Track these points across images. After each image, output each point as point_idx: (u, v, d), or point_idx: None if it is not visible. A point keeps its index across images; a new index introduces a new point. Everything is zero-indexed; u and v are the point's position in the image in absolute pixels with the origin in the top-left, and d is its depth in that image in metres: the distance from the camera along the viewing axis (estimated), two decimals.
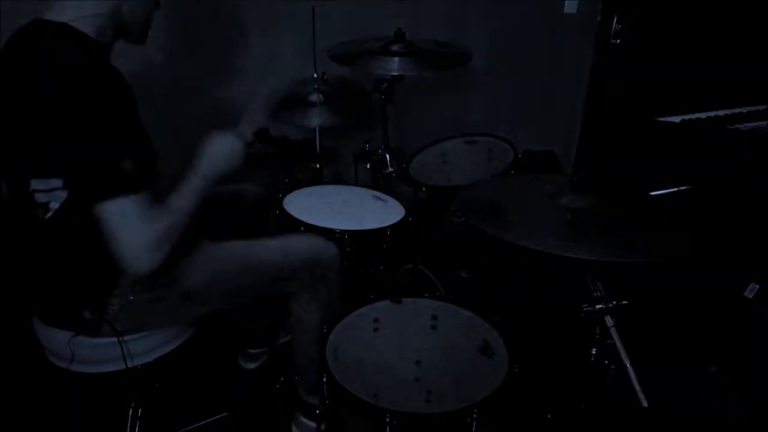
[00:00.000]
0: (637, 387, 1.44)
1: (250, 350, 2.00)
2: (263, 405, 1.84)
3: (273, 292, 1.49)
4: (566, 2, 2.76)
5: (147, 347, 1.37)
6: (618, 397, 1.56)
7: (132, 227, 1.12)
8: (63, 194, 1.16)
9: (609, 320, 1.42)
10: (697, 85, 2.45)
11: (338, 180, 2.40)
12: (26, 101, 1.12)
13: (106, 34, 1.20)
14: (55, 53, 1.11)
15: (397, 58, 1.96)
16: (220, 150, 1.32)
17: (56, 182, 1.15)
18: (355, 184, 2.17)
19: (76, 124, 1.08)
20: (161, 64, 2.27)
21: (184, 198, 1.25)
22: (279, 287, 1.49)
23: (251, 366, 2.00)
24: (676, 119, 2.18)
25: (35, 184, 1.16)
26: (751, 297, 1.95)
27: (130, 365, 1.33)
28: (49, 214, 1.18)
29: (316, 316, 1.52)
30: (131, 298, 1.28)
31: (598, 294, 1.41)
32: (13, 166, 1.20)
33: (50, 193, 1.16)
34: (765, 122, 2.14)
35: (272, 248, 1.50)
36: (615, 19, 2.80)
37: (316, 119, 2.15)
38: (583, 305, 1.33)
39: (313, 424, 1.65)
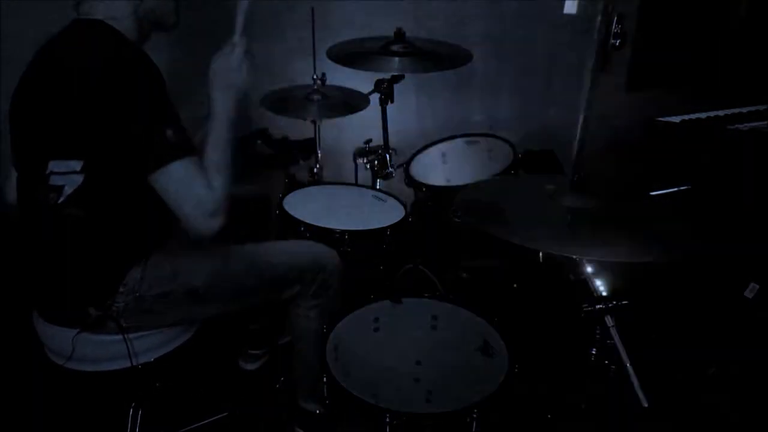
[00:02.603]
0: (637, 387, 1.44)
1: (250, 351, 2.00)
2: (263, 405, 1.84)
3: (276, 296, 1.50)
4: (566, 2, 2.76)
5: (148, 346, 1.37)
6: (618, 397, 1.56)
7: (191, 191, 1.18)
8: (79, 178, 1.18)
9: (609, 320, 1.42)
10: (697, 85, 2.46)
11: (338, 180, 2.39)
12: (53, 89, 1.18)
13: (132, 29, 1.27)
14: (93, 46, 1.19)
15: (397, 58, 1.96)
16: (226, 71, 1.34)
17: (75, 164, 1.18)
18: (355, 184, 2.17)
19: (106, 106, 1.13)
20: (160, 64, 2.27)
21: (218, 145, 1.27)
22: (282, 291, 1.50)
23: (251, 367, 1.99)
24: (676, 119, 2.18)
25: (53, 166, 1.19)
26: (751, 297, 1.95)
27: (131, 363, 1.33)
28: (61, 199, 1.19)
29: (316, 322, 1.52)
30: (137, 294, 1.28)
31: (598, 294, 1.41)
32: (32, 148, 1.24)
33: (66, 176, 1.18)
34: (765, 122, 2.14)
35: (278, 252, 1.51)
36: (615, 19, 2.80)
37: (315, 119, 2.15)
38: (583, 305, 1.33)
39: None
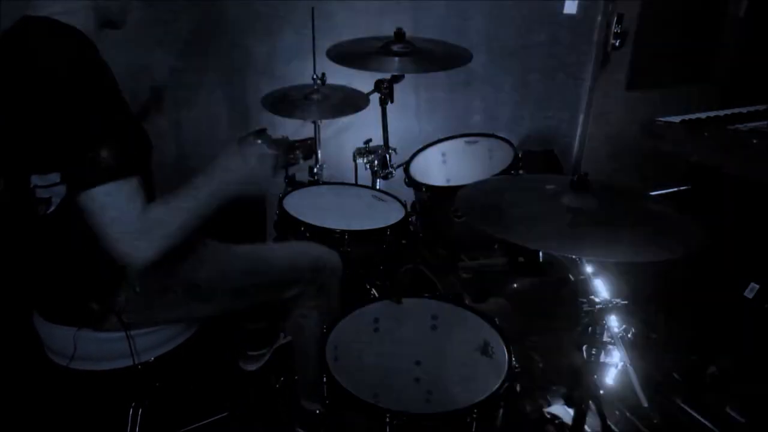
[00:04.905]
0: (637, 387, 1.45)
1: (250, 352, 2.00)
2: (263, 405, 1.84)
3: (276, 296, 1.50)
4: (566, 2, 2.76)
5: (148, 345, 1.37)
6: (618, 397, 1.56)
7: (118, 214, 1.10)
8: (62, 189, 1.16)
9: (609, 320, 1.42)
10: (697, 85, 2.46)
11: (338, 180, 2.39)
12: (19, 98, 1.13)
13: (90, 25, 1.19)
14: (41, 49, 1.12)
15: (397, 58, 1.96)
16: (243, 158, 1.29)
17: (55, 177, 1.16)
18: (355, 184, 2.17)
19: (63, 119, 1.09)
20: (161, 64, 2.27)
21: (187, 197, 1.21)
22: (282, 291, 1.50)
23: (251, 368, 1.99)
24: (676, 119, 2.18)
25: (35, 180, 1.17)
26: (751, 297, 1.95)
27: (134, 362, 1.33)
28: (51, 209, 1.18)
29: (316, 323, 1.53)
30: (137, 289, 1.28)
31: (598, 294, 1.41)
32: (14, 163, 1.21)
33: (50, 188, 1.16)
34: (765, 122, 2.14)
35: (278, 252, 1.52)
36: (615, 19, 2.81)
37: (315, 119, 2.15)
38: (583, 305, 1.33)
39: None
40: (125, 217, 1.11)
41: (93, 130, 1.10)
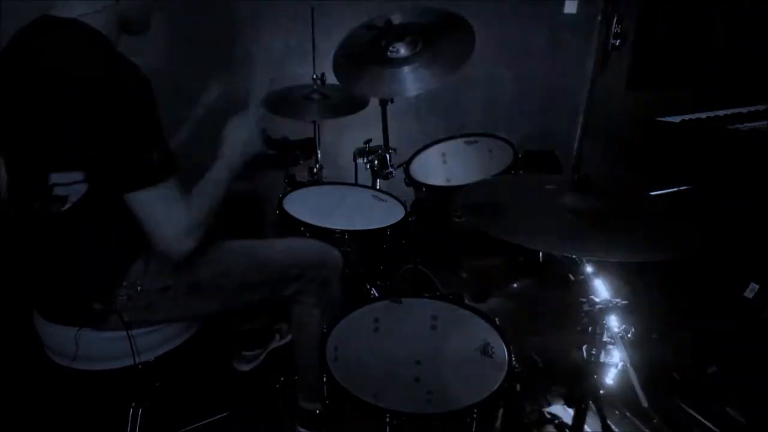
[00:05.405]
0: (637, 387, 1.45)
1: (244, 353, 2.00)
2: (263, 405, 1.84)
3: (277, 293, 1.50)
4: (566, 2, 2.77)
5: (148, 345, 1.37)
6: (618, 397, 1.56)
7: (168, 212, 1.17)
8: (83, 188, 1.17)
9: (609, 320, 1.42)
10: (697, 85, 2.46)
11: (338, 180, 2.39)
12: (43, 100, 1.12)
13: (112, 30, 1.22)
14: (72, 53, 1.12)
15: None
16: (239, 136, 1.37)
17: (78, 176, 1.16)
18: (355, 184, 2.17)
19: (100, 122, 1.10)
20: (160, 65, 2.27)
21: (213, 184, 1.29)
22: (283, 288, 1.50)
23: (245, 368, 1.99)
24: (676, 119, 2.19)
25: (55, 178, 1.17)
26: (751, 297, 1.95)
27: (134, 361, 1.33)
28: (66, 206, 1.18)
29: (318, 320, 1.53)
30: (139, 288, 1.28)
31: (598, 294, 1.41)
32: (31, 160, 1.20)
33: (70, 186, 1.17)
34: (765, 122, 2.14)
35: (280, 249, 1.52)
36: (615, 19, 2.80)
37: (315, 119, 2.15)
38: (583, 305, 1.33)
39: None
40: (174, 215, 1.17)
41: (146, 133, 1.14)
